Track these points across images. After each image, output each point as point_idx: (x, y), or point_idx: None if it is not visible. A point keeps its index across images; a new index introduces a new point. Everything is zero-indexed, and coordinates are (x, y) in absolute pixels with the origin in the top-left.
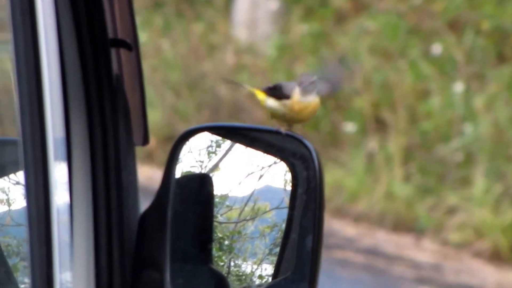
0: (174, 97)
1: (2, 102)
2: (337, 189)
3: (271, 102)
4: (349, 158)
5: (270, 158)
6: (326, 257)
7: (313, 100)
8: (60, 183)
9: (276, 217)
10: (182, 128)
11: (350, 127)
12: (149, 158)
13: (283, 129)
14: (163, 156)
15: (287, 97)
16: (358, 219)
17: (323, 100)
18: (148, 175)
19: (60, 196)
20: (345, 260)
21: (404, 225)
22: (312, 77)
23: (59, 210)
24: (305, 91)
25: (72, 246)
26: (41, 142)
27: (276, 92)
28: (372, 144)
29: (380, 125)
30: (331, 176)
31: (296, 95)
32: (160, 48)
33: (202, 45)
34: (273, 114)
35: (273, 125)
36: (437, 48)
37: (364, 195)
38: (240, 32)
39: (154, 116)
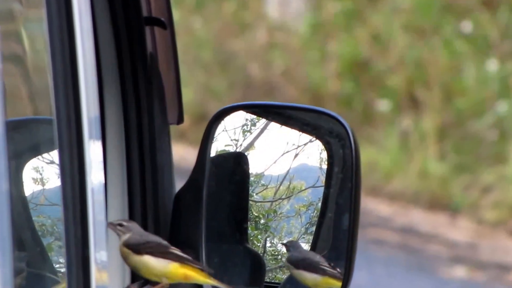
0: (206, 75)
1: (36, 81)
2: (371, 168)
3: None
4: (383, 136)
5: (306, 137)
6: (360, 236)
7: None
8: (94, 162)
9: (312, 196)
10: (215, 107)
11: (383, 105)
12: (182, 137)
13: None
14: (196, 135)
15: None
16: (392, 197)
17: (356, 78)
18: (181, 155)
19: (95, 175)
20: (379, 239)
21: (439, 203)
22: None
23: (94, 189)
24: None
25: (107, 226)
26: (75, 121)
27: None
28: (406, 122)
29: (414, 103)
30: (365, 155)
31: None
32: (191, 27)
33: (234, 23)
34: None
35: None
36: (470, 25)
37: (399, 174)
38: (272, 9)
39: (186, 95)
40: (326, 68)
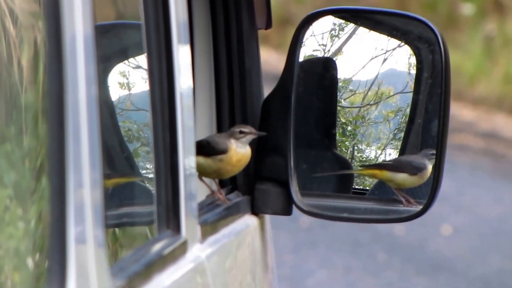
0: None
1: None
2: (455, 72)
3: (202, 160)
4: (467, 40)
5: (394, 42)
6: None
7: (247, 151)
8: (183, 66)
9: (400, 102)
10: (297, 11)
11: (467, 8)
12: (265, 41)
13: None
14: (279, 39)
15: (222, 151)
16: (476, 102)
17: None
18: (264, 58)
19: (183, 80)
20: (463, 145)
21: None
22: (246, 127)
23: (183, 94)
24: (241, 143)
25: (195, 131)
26: (164, 25)
27: (205, 149)
28: (490, 26)
29: (499, 7)
30: None
31: (233, 147)
32: None
33: None
34: (203, 171)
35: None
36: None
37: (483, 78)
38: None
39: None
40: None
